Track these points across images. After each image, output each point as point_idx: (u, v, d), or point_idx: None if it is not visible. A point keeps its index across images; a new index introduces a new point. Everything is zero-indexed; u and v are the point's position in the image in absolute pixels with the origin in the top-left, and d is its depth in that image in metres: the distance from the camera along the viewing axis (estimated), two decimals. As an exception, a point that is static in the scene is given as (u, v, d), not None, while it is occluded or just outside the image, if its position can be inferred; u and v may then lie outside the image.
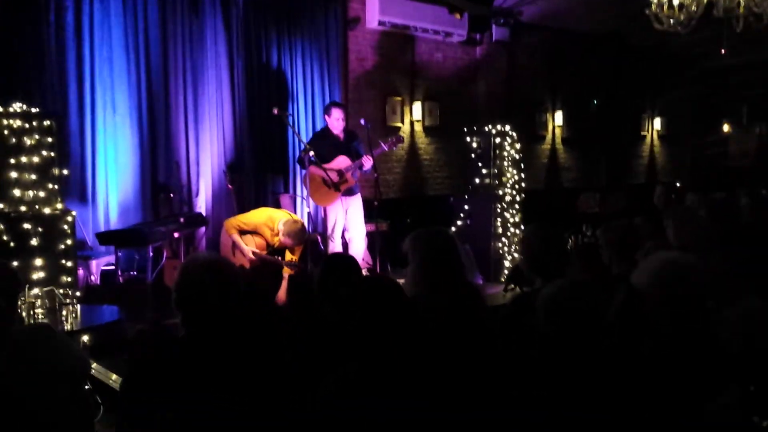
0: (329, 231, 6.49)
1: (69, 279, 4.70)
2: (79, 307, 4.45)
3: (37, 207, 4.69)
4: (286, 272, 5.27)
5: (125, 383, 2.25)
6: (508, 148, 7.67)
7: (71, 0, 6.02)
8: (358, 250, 6.43)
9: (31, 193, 4.68)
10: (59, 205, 4.82)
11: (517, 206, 7.68)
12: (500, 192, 7.54)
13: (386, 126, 8.86)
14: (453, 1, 9.01)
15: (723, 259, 3.19)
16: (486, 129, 7.65)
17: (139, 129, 6.46)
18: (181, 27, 6.74)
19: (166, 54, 6.64)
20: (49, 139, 4.81)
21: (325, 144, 6.38)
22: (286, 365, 2.24)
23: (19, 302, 3.52)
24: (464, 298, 2.77)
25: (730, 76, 12.97)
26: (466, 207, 7.59)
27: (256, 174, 7.40)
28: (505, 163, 7.65)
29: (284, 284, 5.26)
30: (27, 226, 4.60)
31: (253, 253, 5.55)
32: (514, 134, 7.73)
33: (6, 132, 4.65)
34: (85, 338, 4.06)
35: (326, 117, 6.53)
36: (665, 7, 5.73)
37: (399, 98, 9.06)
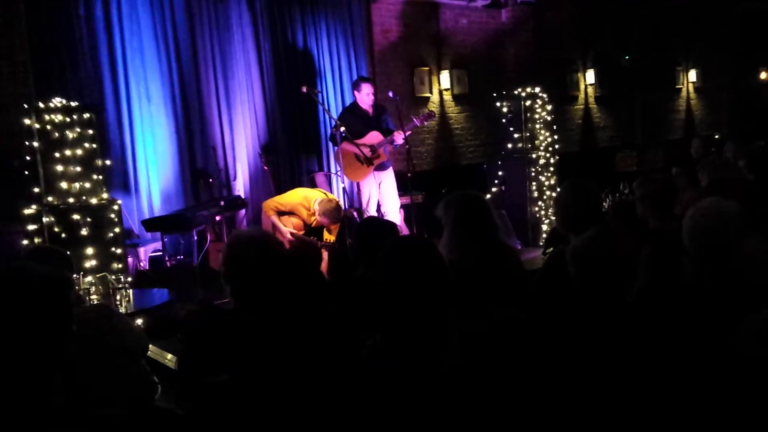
0: (364, 205, 6.57)
1: (119, 265, 4.87)
2: (131, 291, 4.62)
3: (84, 198, 4.84)
4: (324, 253, 5.39)
5: (183, 355, 2.37)
6: (539, 110, 7.62)
7: (99, -7, 6.16)
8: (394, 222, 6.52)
9: (77, 184, 4.82)
10: (105, 195, 4.97)
11: (551, 169, 7.64)
12: (534, 155, 7.51)
13: (415, 97, 8.86)
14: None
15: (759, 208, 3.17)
16: (516, 93, 7.60)
17: (174, 117, 6.60)
18: (206, 13, 6.83)
19: (194, 41, 6.74)
20: (90, 132, 4.93)
21: (354, 119, 6.43)
22: (330, 332, 2.34)
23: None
24: (498, 257, 2.81)
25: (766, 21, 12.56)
26: (500, 173, 7.59)
27: (290, 154, 7.50)
28: (537, 126, 7.60)
29: (325, 258, 5.39)
30: (76, 216, 4.75)
31: (291, 233, 5.66)
32: (545, 96, 7.66)
33: (49, 127, 4.79)
34: (139, 321, 4.23)
35: (355, 92, 6.57)
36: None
37: (426, 68, 9.03)
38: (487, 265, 2.90)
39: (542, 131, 7.63)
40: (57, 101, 4.90)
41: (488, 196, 7.44)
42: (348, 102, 7.92)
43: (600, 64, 11.29)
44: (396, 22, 8.74)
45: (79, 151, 4.86)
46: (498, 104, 7.72)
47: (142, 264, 5.96)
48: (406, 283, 2.03)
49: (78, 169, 4.85)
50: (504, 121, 7.67)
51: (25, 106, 4.92)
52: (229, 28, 7.00)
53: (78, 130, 4.87)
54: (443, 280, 2.05)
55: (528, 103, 7.57)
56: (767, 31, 12.79)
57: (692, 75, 13.13)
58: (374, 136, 6.38)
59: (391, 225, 3.30)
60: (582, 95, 11.26)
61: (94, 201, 4.87)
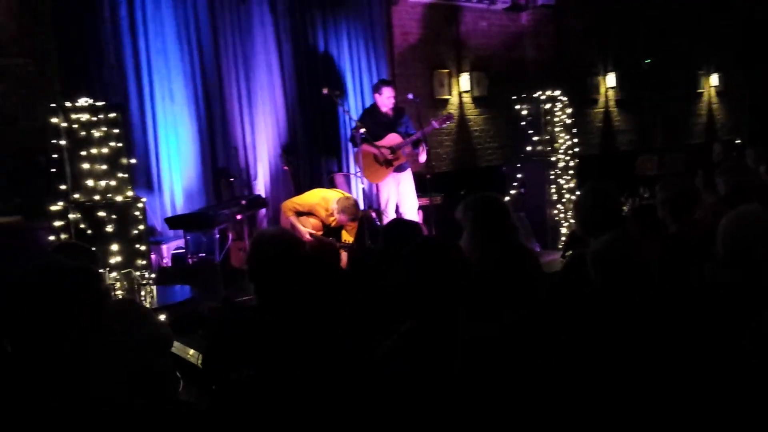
0: (383, 206, 6.61)
1: (143, 262, 4.96)
2: (155, 287, 4.70)
3: (109, 195, 4.93)
4: (343, 254, 5.44)
5: (207, 352, 2.43)
6: (559, 113, 7.61)
7: (124, -5, 6.27)
8: (413, 223, 6.56)
9: (103, 182, 4.92)
10: (129, 193, 5.06)
11: (571, 172, 7.63)
12: (553, 158, 7.50)
13: (434, 99, 8.89)
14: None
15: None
16: (535, 96, 7.60)
17: (197, 117, 6.69)
18: (229, 15, 6.92)
19: (217, 42, 6.83)
20: (116, 131, 5.03)
21: (374, 122, 6.47)
22: (349, 329, 2.38)
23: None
24: (518, 260, 2.83)
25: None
26: (519, 176, 7.59)
27: (310, 155, 7.56)
28: (557, 129, 7.60)
29: (343, 259, 5.44)
30: (102, 213, 4.85)
31: (310, 234, 5.72)
32: (565, 99, 7.66)
33: (75, 126, 4.90)
34: (162, 316, 4.30)
35: (376, 95, 6.60)
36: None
37: (446, 71, 9.06)
38: (506, 268, 2.92)
39: (562, 134, 7.62)
40: (83, 101, 4.99)
41: (507, 198, 7.45)
42: (367, 103, 7.97)
43: (621, 67, 11.24)
44: (416, 25, 8.77)
45: (104, 150, 4.95)
46: (517, 107, 7.72)
47: (164, 261, 6.06)
48: (425, 284, 2.07)
49: (104, 167, 4.94)
50: (523, 123, 7.67)
51: (53, 105, 5.02)
52: (251, 30, 7.08)
53: (104, 129, 4.97)
54: (463, 282, 2.08)
55: (548, 106, 7.57)
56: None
57: (714, 79, 13.02)
58: (393, 138, 6.43)
59: (417, 226, 3.34)
60: (602, 98, 11.22)
61: (119, 198, 4.96)
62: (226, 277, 5.62)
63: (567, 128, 7.67)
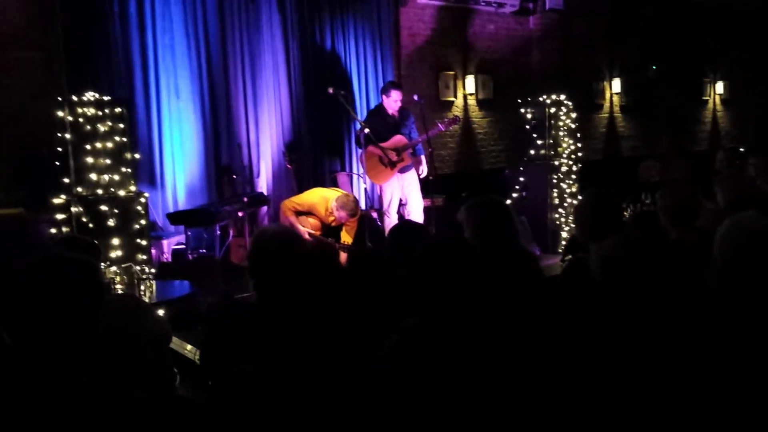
0: (385, 207, 6.62)
1: (144, 257, 4.97)
2: (154, 282, 4.71)
3: (112, 190, 4.94)
4: (342, 255, 5.45)
5: (205, 346, 2.44)
6: (563, 118, 7.61)
7: (133, -10, 6.29)
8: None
9: (106, 176, 4.93)
10: (132, 188, 5.07)
11: (573, 177, 7.63)
12: (556, 162, 7.51)
13: (439, 101, 8.90)
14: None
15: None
16: (540, 100, 7.60)
17: (201, 113, 6.71)
18: (237, 13, 6.94)
19: (224, 40, 6.85)
20: (121, 126, 5.04)
21: (380, 123, 6.47)
22: (350, 325, 2.39)
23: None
24: (519, 262, 2.84)
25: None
26: (521, 179, 7.59)
27: (313, 153, 7.58)
28: (561, 134, 7.60)
29: (343, 259, 5.45)
30: (104, 207, 4.86)
31: (309, 234, 5.72)
32: (570, 104, 7.66)
33: (81, 120, 4.91)
34: (161, 311, 4.31)
35: (384, 96, 6.59)
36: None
37: (452, 72, 9.07)
38: (506, 270, 2.93)
39: (566, 138, 7.62)
40: (89, 95, 5.01)
41: (509, 201, 7.45)
42: (372, 104, 7.98)
43: (626, 73, 11.24)
44: (423, 26, 8.78)
45: (109, 144, 4.96)
46: (522, 110, 7.72)
47: (165, 256, 6.07)
48: (441, 279, 2.08)
49: (107, 161, 4.95)
50: (528, 127, 7.67)
51: (59, 98, 5.03)
52: (258, 28, 7.10)
53: (109, 123, 4.98)
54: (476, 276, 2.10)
55: (552, 110, 7.57)
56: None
57: (719, 87, 13.01)
58: (398, 140, 6.43)
59: (422, 227, 3.36)
60: (607, 104, 11.22)
61: (122, 193, 4.97)
62: (226, 274, 5.63)
63: (571, 133, 7.66)
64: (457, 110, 9.07)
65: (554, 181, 7.48)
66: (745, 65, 12.98)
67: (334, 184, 7.34)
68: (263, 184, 7.15)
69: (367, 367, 2.20)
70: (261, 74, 7.13)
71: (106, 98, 5.07)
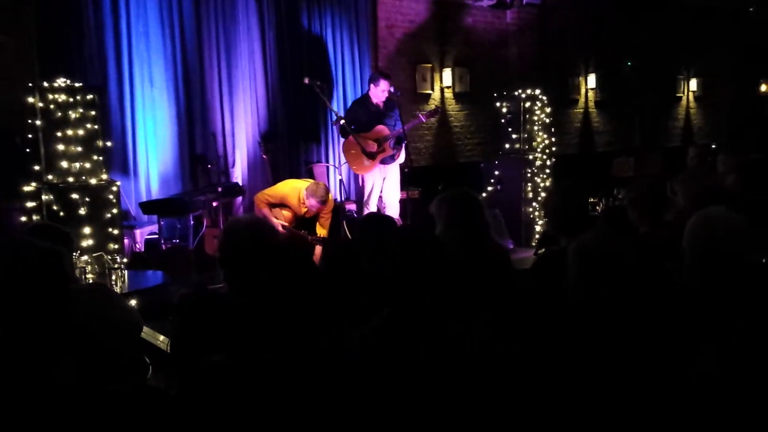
0: (365, 197, 6.60)
1: (116, 246, 4.93)
2: (126, 272, 4.67)
3: (83, 178, 4.89)
4: (318, 248, 5.45)
5: (176, 336, 2.43)
6: (538, 112, 7.68)
7: (107, -24, 6.19)
8: (392, 215, 6.57)
9: (77, 164, 4.87)
10: (104, 176, 5.02)
11: (548, 171, 7.70)
12: (530, 157, 7.57)
13: (416, 93, 8.91)
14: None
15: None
16: (516, 94, 7.66)
17: (176, 102, 6.65)
18: (213, 1, 6.87)
19: (200, 28, 6.78)
20: (93, 113, 4.98)
21: (364, 112, 6.45)
22: (322, 318, 2.40)
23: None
24: (490, 255, 2.87)
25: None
26: (496, 172, 7.65)
27: (289, 144, 7.55)
28: (536, 128, 7.66)
29: (318, 251, 5.45)
30: (75, 196, 4.80)
31: (283, 226, 5.71)
32: (545, 98, 7.72)
33: (52, 106, 4.84)
34: (133, 301, 4.27)
35: (371, 85, 6.53)
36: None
37: (429, 65, 9.08)
38: (476, 263, 2.96)
39: (540, 133, 7.69)
40: (61, 81, 4.94)
41: (484, 195, 7.50)
42: (349, 95, 7.97)
43: (602, 68, 11.35)
44: (401, 18, 8.78)
45: (80, 132, 4.90)
46: (498, 104, 7.77)
47: (137, 246, 6.01)
48: (407, 272, 2.09)
49: (79, 149, 4.90)
50: (503, 121, 7.73)
51: (30, 84, 4.95)
52: (234, 16, 7.04)
53: (80, 110, 4.92)
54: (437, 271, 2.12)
55: (528, 104, 7.63)
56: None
57: (693, 84, 13.20)
58: (380, 130, 6.42)
59: (391, 220, 3.36)
60: (582, 99, 11.33)
61: (93, 181, 4.92)
62: (199, 264, 5.60)
63: (545, 127, 7.73)
64: (433, 103, 9.09)
65: (528, 175, 7.54)
66: (719, 63, 13.18)
67: (310, 175, 7.33)
68: (238, 174, 7.11)
69: (340, 357, 2.22)
70: (237, 63, 7.08)
71: (78, 85, 5.01)
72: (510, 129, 7.65)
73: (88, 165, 4.92)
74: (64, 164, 4.86)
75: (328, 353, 2.30)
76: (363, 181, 6.61)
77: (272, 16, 7.33)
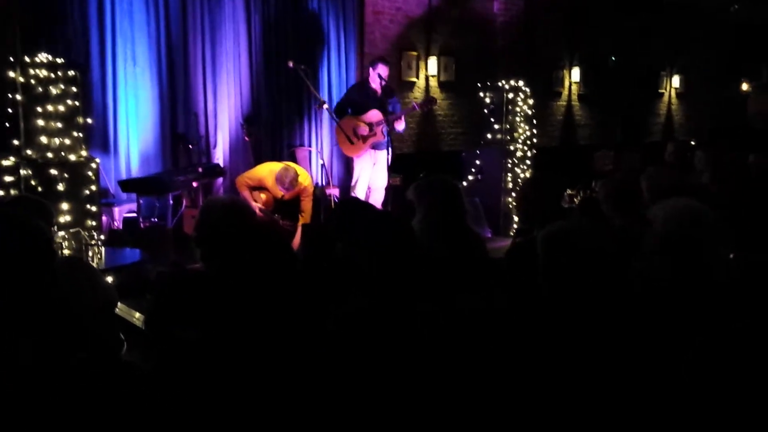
0: (353, 182, 6.63)
1: (94, 223, 4.91)
2: (103, 249, 4.67)
3: (62, 154, 4.86)
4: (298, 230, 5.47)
5: (151, 312, 2.45)
6: (520, 104, 7.74)
7: (91, -48, 6.12)
8: (377, 201, 6.62)
9: (57, 140, 4.85)
10: (84, 153, 5.00)
11: (528, 162, 7.78)
12: (512, 147, 7.64)
13: (401, 81, 8.92)
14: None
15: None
16: (500, 84, 7.70)
17: (158, 81, 6.61)
18: (199, -20, 6.83)
19: (185, 7, 6.73)
20: (74, 89, 4.95)
21: (361, 96, 6.49)
22: (299, 300, 2.43)
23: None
24: (464, 243, 2.92)
25: (754, 34, 12.78)
26: (477, 162, 7.71)
27: (272, 127, 7.54)
28: (518, 119, 7.73)
29: (297, 235, 5.47)
30: (54, 171, 4.78)
31: (260, 209, 5.74)
32: (528, 90, 7.78)
33: (33, 81, 4.81)
34: (110, 278, 4.28)
35: (370, 69, 6.57)
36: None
37: (414, 53, 9.09)
38: (453, 250, 3.00)
39: (522, 124, 7.76)
40: (43, 56, 4.90)
41: (465, 183, 7.56)
42: (334, 80, 7.98)
43: (586, 62, 11.43)
44: (389, 5, 8.77)
45: (61, 108, 4.88)
46: (482, 94, 7.81)
47: (116, 224, 6.00)
48: (378, 256, 2.12)
49: (59, 125, 4.87)
50: (486, 111, 7.78)
51: (11, 59, 4.91)
52: (220, -3, 7.00)
53: (61, 86, 4.89)
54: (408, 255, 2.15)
55: (511, 95, 7.68)
56: (754, 43, 13.03)
57: (676, 81, 13.33)
58: (374, 115, 6.44)
59: (368, 205, 3.40)
60: (566, 92, 11.40)
61: (72, 157, 4.90)
62: (177, 244, 5.60)
63: (527, 119, 7.80)
64: (418, 91, 9.12)
65: (509, 165, 7.61)
66: (702, 61, 13.32)
67: (292, 158, 7.33)
68: (220, 155, 7.09)
69: (316, 336, 2.25)
70: (221, 43, 7.05)
71: (60, 61, 4.97)
72: (492, 119, 7.70)
73: (67, 141, 4.90)
74: (44, 140, 4.84)
75: (304, 332, 2.34)
76: (353, 165, 6.64)
77: (258, -2, 7.30)
